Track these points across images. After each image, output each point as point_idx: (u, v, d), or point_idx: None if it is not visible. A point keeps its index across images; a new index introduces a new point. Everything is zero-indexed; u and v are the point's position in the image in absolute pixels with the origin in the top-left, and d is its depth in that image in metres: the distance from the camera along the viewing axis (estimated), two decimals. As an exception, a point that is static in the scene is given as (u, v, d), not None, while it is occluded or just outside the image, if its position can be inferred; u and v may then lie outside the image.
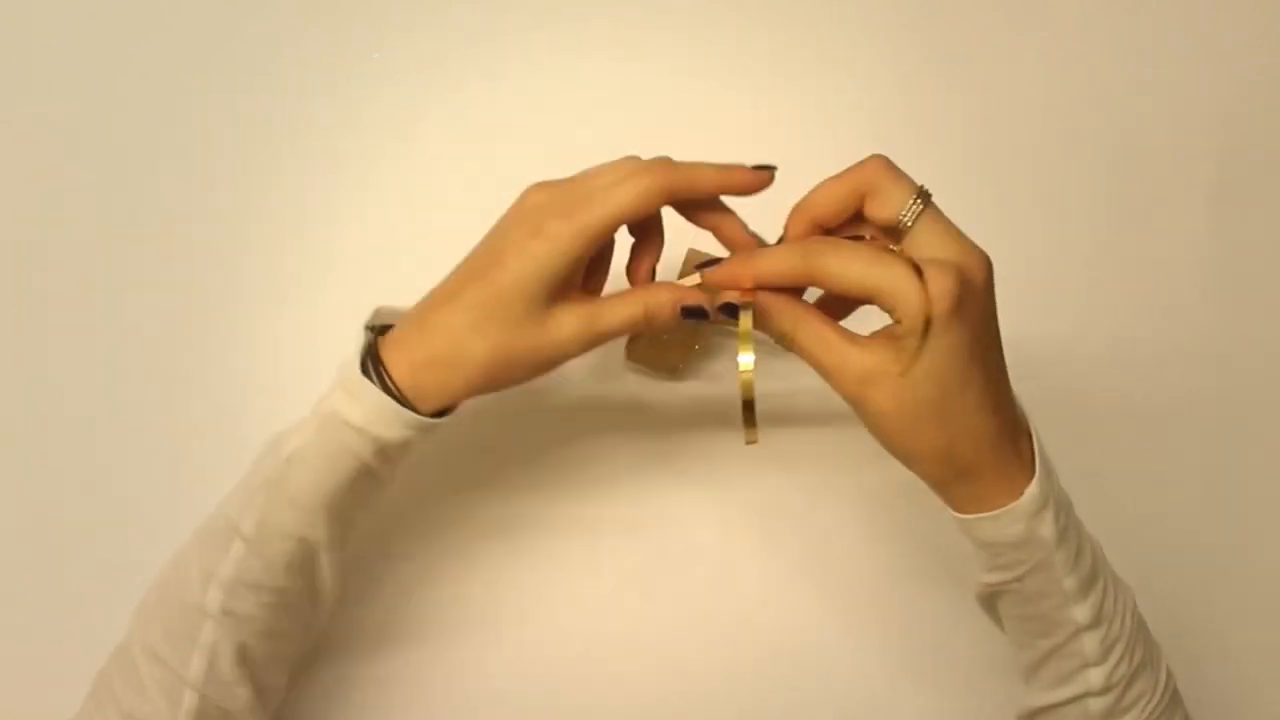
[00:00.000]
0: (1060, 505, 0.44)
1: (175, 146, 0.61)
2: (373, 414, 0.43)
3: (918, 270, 0.40)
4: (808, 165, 0.61)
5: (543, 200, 0.45)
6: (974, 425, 0.42)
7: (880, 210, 0.43)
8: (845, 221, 0.45)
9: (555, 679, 0.55)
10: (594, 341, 0.45)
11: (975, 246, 0.43)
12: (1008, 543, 0.43)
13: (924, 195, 0.43)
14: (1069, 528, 0.44)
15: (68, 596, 0.56)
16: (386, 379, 0.44)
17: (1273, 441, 0.60)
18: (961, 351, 0.41)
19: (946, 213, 0.59)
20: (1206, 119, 0.63)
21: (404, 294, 0.59)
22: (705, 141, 0.61)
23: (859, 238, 0.45)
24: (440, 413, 0.45)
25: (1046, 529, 0.43)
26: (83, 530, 0.57)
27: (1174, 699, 0.47)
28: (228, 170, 0.61)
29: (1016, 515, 0.43)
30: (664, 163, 0.45)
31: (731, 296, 0.44)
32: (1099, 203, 0.62)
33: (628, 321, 0.45)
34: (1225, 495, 0.59)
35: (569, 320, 0.44)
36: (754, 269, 0.44)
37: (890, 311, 0.41)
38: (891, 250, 0.43)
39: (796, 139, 0.62)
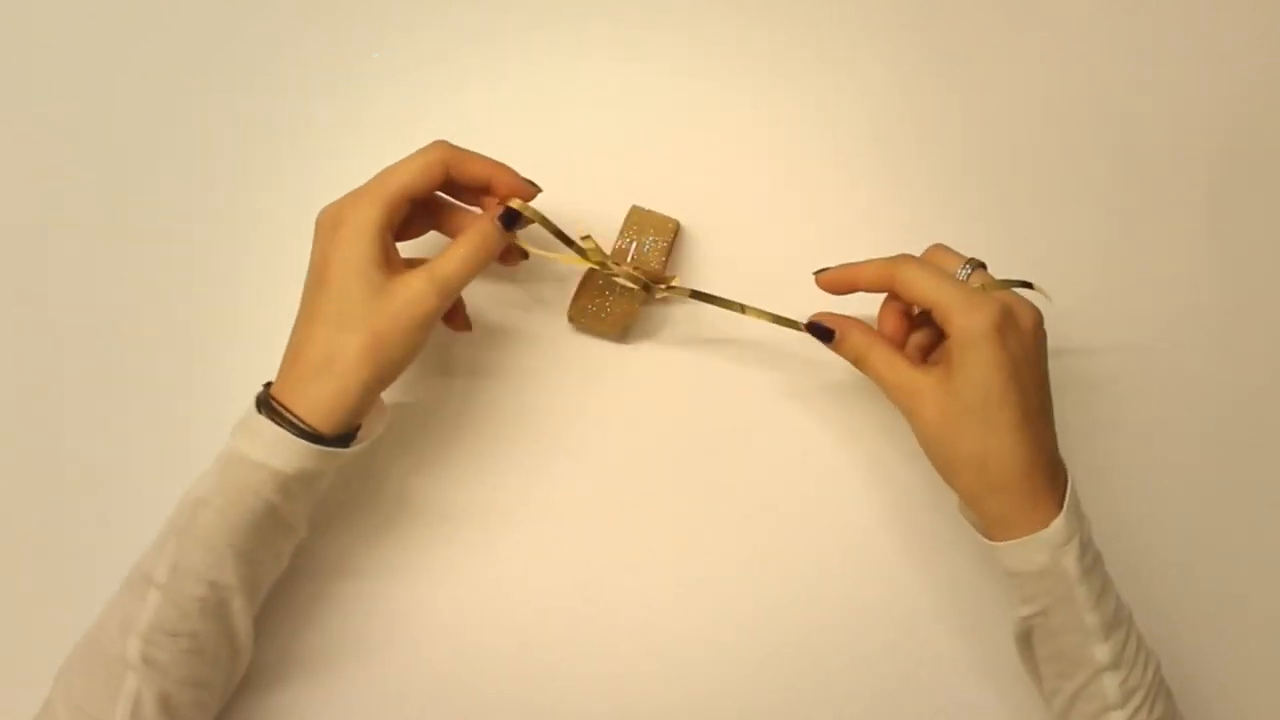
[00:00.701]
0: (1087, 548, 0.47)
1: (175, 146, 0.61)
2: (270, 446, 0.45)
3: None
4: (808, 165, 0.62)
5: (332, 207, 0.49)
6: (1008, 443, 0.46)
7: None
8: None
9: (524, 685, 0.55)
10: (447, 290, 0.48)
11: (1028, 300, 0.49)
12: (1033, 572, 0.46)
13: (977, 262, 0.50)
14: (1094, 570, 0.47)
15: (66, 596, 0.56)
16: (282, 412, 0.46)
17: (1275, 441, 0.60)
18: (1001, 369, 0.46)
19: (947, 212, 0.60)
20: (1206, 119, 0.63)
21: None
22: (705, 141, 0.62)
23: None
24: (343, 439, 0.47)
25: (1070, 562, 0.46)
26: (83, 530, 0.57)
27: None
28: (228, 170, 0.61)
29: (1041, 544, 0.46)
30: (441, 142, 0.50)
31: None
32: (1099, 203, 0.62)
33: (467, 258, 0.49)
34: (1228, 494, 0.59)
35: (414, 281, 0.47)
36: (853, 273, 0.51)
37: (943, 325, 0.47)
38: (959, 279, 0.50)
39: (796, 139, 0.62)
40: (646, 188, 0.60)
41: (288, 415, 0.46)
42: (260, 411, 0.46)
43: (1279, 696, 0.57)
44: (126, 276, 0.60)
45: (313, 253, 0.49)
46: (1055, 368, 0.59)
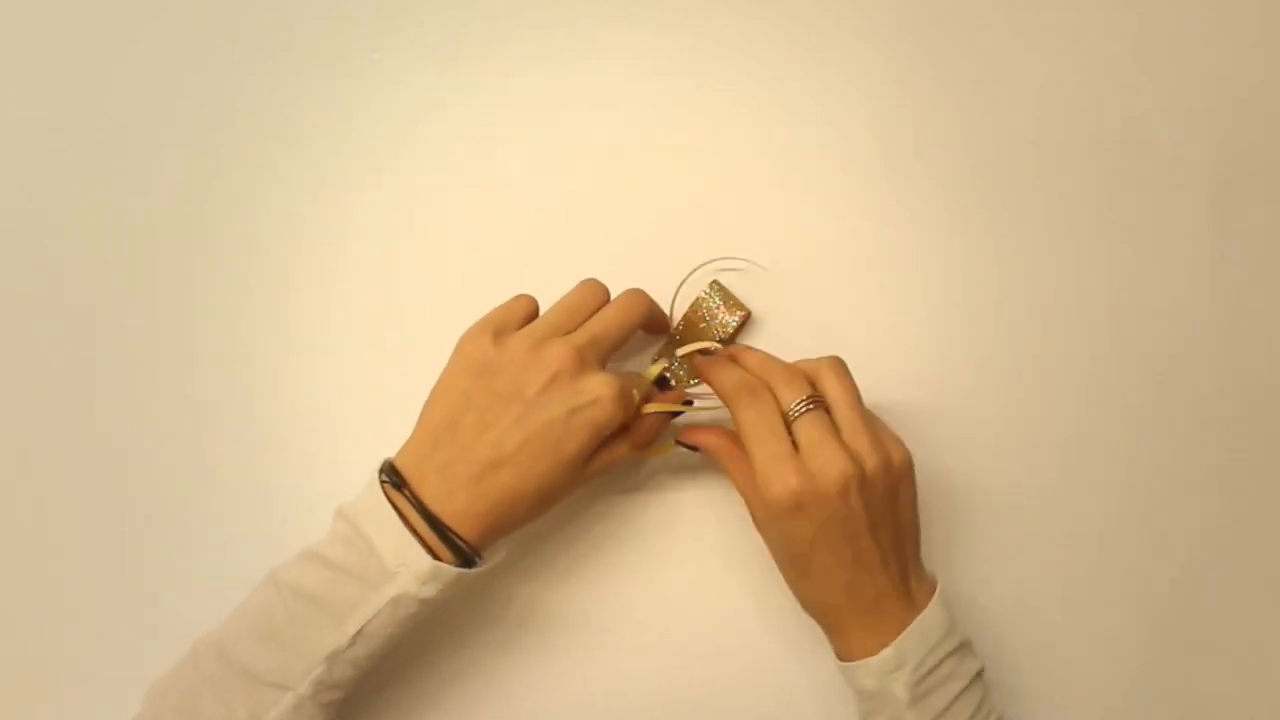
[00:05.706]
0: (928, 674, 0.48)
1: (175, 146, 0.61)
2: (447, 589, 0.47)
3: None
4: (808, 165, 0.62)
5: (540, 341, 0.49)
6: (822, 589, 0.49)
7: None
8: None
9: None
10: (598, 475, 0.52)
11: (839, 457, 0.47)
12: (866, 691, 0.49)
13: (816, 398, 0.49)
14: (933, 693, 0.48)
15: (68, 594, 0.56)
16: (457, 542, 0.47)
17: (1276, 441, 0.60)
18: (796, 540, 0.47)
19: (947, 213, 0.59)
20: (1206, 119, 0.63)
21: (403, 294, 0.59)
22: (705, 141, 0.62)
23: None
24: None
25: (899, 688, 0.47)
26: (87, 530, 0.57)
27: None
28: (228, 170, 0.61)
29: (869, 670, 0.48)
30: (641, 291, 0.53)
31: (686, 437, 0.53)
32: (1099, 203, 0.62)
33: (620, 458, 0.52)
34: (1229, 495, 0.59)
35: (592, 466, 0.51)
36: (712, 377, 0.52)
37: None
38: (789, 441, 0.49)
39: (796, 139, 0.62)
40: (644, 188, 0.60)
41: (464, 548, 0.48)
42: (439, 556, 0.47)
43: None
44: (127, 277, 0.60)
45: (513, 370, 0.48)
46: (1054, 366, 0.60)
